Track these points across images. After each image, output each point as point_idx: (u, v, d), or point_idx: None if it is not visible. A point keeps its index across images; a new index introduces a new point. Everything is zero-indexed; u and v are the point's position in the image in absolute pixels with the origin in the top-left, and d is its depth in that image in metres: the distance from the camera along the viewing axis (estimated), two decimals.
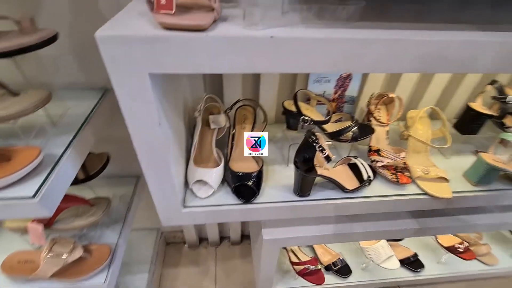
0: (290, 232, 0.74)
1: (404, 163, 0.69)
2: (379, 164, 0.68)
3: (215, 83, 0.77)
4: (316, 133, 0.58)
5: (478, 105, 0.72)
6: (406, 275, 1.06)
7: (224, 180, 0.65)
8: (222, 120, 0.67)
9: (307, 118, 0.59)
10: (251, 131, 0.70)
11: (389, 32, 0.39)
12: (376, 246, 0.99)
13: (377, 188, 0.67)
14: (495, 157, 0.68)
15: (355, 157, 0.68)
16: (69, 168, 0.57)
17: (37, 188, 0.49)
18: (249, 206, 0.62)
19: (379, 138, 0.72)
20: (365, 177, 0.64)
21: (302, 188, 0.62)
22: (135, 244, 1.22)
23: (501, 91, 0.67)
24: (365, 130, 0.70)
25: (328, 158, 0.53)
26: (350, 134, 0.65)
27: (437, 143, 0.73)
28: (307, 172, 0.57)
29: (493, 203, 0.72)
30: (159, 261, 1.24)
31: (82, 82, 0.75)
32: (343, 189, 0.64)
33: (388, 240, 1.10)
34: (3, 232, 0.82)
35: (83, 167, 0.77)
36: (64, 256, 0.69)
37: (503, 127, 0.72)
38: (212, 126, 0.68)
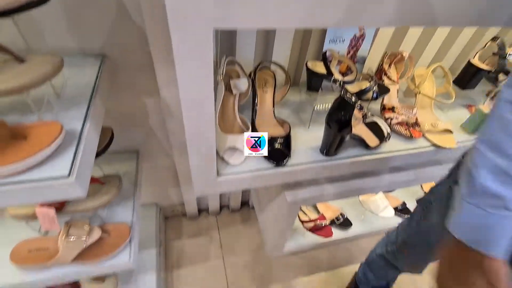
0: (310, 191, 0.77)
1: (416, 119, 0.74)
2: (394, 121, 0.72)
3: (227, 44, 0.72)
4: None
5: (477, 61, 0.78)
6: (398, 221, 1.18)
7: None
8: (244, 84, 0.65)
9: (337, 78, 0.59)
10: (273, 94, 0.68)
11: None
12: (375, 199, 1.08)
13: (393, 144, 0.72)
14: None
15: (373, 115, 0.71)
16: (92, 142, 0.51)
17: (70, 166, 0.43)
18: (283, 169, 0.62)
19: (391, 96, 0.76)
20: (385, 133, 0.67)
21: (331, 147, 0.64)
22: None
23: (502, 48, 0.73)
24: (382, 89, 0.72)
25: (365, 116, 0.55)
26: (370, 93, 0.67)
27: (439, 99, 0.78)
28: (340, 130, 0.58)
29: None
30: (162, 237, 1.23)
31: (74, 47, 0.65)
32: (367, 146, 0.67)
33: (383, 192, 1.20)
34: (3, 221, 0.73)
35: None
36: (83, 238, 0.65)
37: (496, 81, 0.80)
38: (234, 91, 0.65)
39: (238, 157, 0.61)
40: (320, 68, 0.67)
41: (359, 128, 0.67)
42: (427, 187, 1.22)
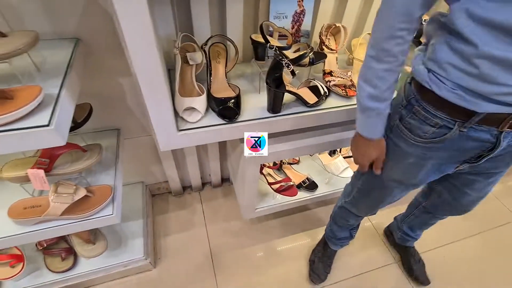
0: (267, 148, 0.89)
1: (351, 81, 0.86)
2: (332, 83, 0.84)
3: (184, 23, 0.83)
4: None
5: None
6: None
7: (208, 108, 0.76)
8: (199, 56, 0.76)
9: (272, 45, 0.71)
10: (225, 65, 0.80)
11: None
12: (335, 161, 1.21)
13: (332, 102, 0.84)
14: None
15: (313, 79, 0.84)
16: (68, 104, 0.62)
17: (49, 118, 0.55)
18: (233, 124, 0.74)
19: (330, 63, 0.88)
20: (322, 92, 0.80)
21: (275, 105, 0.76)
22: (124, 197, 1.29)
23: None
24: (319, 56, 0.84)
25: (293, 73, 0.67)
26: (307, 59, 0.79)
27: None
28: (277, 88, 0.71)
29: None
30: (149, 211, 1.34)
31: (49, 32, 0.76)
32: (306, 103, 0.79)
33: (344, 158, 1.33)
34: (1, 186, 0.84)
35: None
36: (70, 194, 0.77)
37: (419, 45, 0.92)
38: (191, 63, 0.77)
39: (195, 116, 0.73)
40: (262, 39, 0.79)
41: (298, 90, 0.79)
42: None
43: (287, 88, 0.72)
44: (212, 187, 1.52)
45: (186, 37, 0.76)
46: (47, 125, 0.54)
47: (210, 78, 0.79)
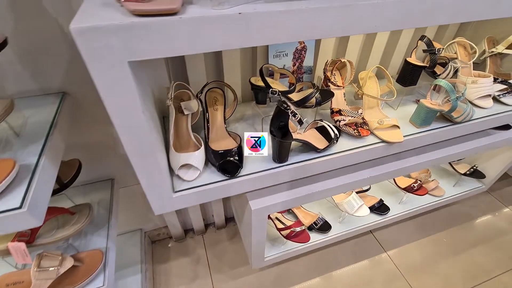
0: (273, 199, 0.80)
1: (363, 118, 0.78)
2: (342, 122, 0.77)
3: (178, 70, 0.78)
4: (288, 102, 0.64)
5: (414, 59, 0.84)
6: (376, 219, 1.21)
7: (207, 162, 0.69)
8: (194, 105, 0.70)
9: (275, 90, 0.64)
10: (224, 111, 0.73)
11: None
12: (348, 199, 1.11)
13: (343, 144, 0.76)
14: (432, 101, 0.81)
15: (321, 120, 0.76)
16: (48, 175, 0.55)
17: (22, 198, 0.47)
18: (235, 180, 0.66)
19: (338, 100, 0.81)
20: (332, 135, 0.72)
21: (280, 154, 0.68)
22: (121, 248, 1.20)
23: (429, 45, 0.79)
24: (326, 94, 0.77)
25: (300, 122, 0.59)
26: (313, 100, 0.72)
27: (386, 97, 0.84)
28: (283, 138, 0.63)
29: (435, 140, 0.85)
30: (148, 260, 1.24)
31: (34, 89, 0.70)
32: (315, 149, 0.71)
33: (357, 193, 1.23)
34: None
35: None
36: (55, 268, 0.67)
37: (435, 75, 0.86)
38: (186, 112, 0.70)
39: (193, 174, 0.65)
40: (262, 83, 0.72)
41: (305, 134, 0.71)
42: (400, 182, 1.25)
43: (294, 137, 0.65)
44: (216, 229, 1.42)
45: (180, 85, 0.70)
46: (19, 207, 0.46)
47: (207, 127, 0.71)
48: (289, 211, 1.20)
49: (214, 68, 0.82)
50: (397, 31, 0.94)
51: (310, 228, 1.12)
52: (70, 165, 0.78)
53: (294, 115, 0.58)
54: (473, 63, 0.99)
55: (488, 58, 0.94)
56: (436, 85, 0.79)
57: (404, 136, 0.79)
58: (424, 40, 0.79)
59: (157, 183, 0.56)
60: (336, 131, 0.74)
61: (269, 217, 1.08)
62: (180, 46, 0.39)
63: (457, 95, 0.75)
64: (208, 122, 0.72)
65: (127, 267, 1.14)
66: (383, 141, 0.77)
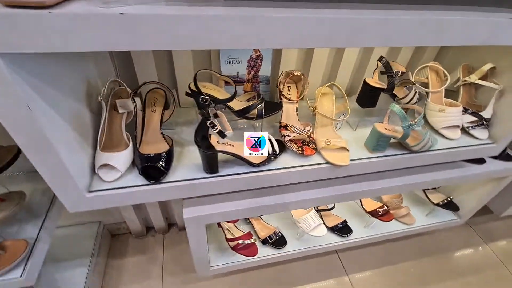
0: (211, 209, 0.77)
1: (310, 136, 0.74)
2: (287, 138, 0.73)
3: (126, 68, 0.76)
4: (218, 111, 0.61)
5: (372, 80, 0.79)
6: (336, 240, 1.16)
7: (134, 163, 0.66)
8: (130, 104, 0.67)
9: (205, 97, 0.61)
10: (162, 113, 0.71)
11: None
12: (305, 217, 1.07)
13: (285, 161, 0.73)
14: (387, 126, 0.76)
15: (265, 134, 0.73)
16: None
17: None
18: (157, 186, 0.64)
19: (289, 114, 0.77)
20: (270, 150, 0.68)
21: (209, 165, 0.65)
22: (75, 239, 1.19)
23: (387, 66, 0.74)
24: (273, 107, 0.74)
25: (221, 134, 0.56)
26: (255, 111, 0.69)
27: (342, 117, 0.80)
28: (207, 149, 0.60)
29: (391, 167, 0.80)
30: (102, 253, 1.22)
31: None
32: (250, 163, 0.68)
33: (321, 211, 1.18)
34: None
35: None
36: None
37: (395, 99, 0.81)
38: (120, 110, 0.68)
39: (113, 174, 0.63)
40: (206, 88, 0.69)
41: (240, 146, 0.68)
42: (367, 204, 1.20)
43: (219, 149, 0.61)
44: (178, 230, 1.39)
45: (115, 82, 0.68)
46: None
47: (142, 128, 0.69)
48: (247, 221, 1.16)
49: (166, 68, 0.80)
50: (369, 49, 0.90)
51: (264, 241, 1.08)
52: (8, 150, 0.77)
53: (213, 126, 0.55)
54: (450, 90, 0.93)
55: (462, 87, 0.88)
56: (391, 110, 0.74)
57: (353, 160, 0.74)
58: (381, 62, 0.74)
59: (61, 180, 0.54)
60: (276, 147, 0.70)
61: (219, 225, 1.05)
62: (54, 42, 0.37)
63: (410, 122, 0.70)
64: (143, 123, 0.70)
65: (76, 259, 1.12)
66: (328, 162, 0.73)
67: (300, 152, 0.72)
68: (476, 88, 0.88)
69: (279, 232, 1.12)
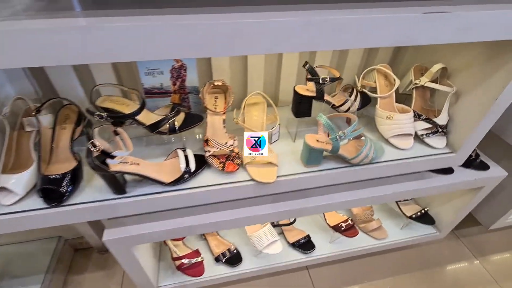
0: (136, 229, 0.72)
1: (233, 151, 0.68)
2: (207, 153, 0.67)
3: (45, 84, 0.73)
4: (118, 128, 0.56)
5: (302, 88, 0.72)
6: (298, 257, 1.08)
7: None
8: (35, 122, 0.64)
9: (100, 114, 0.57)
10: (73, 131, 0.67)
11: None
12: (258, 233, 1.00)
13: (206, 178, 0.67)
14: (321, 137, 0.69)
15: (183, 149, 0.67)
16: None
17: None
18: (59, 209, 0.59)
19: (215, 127, 0.72)
20: (182, 168, 0.63)
21: (112, 186, 0.60)
22: (33, 255, 1.18)
23: (312, 73, 0.67)
24: (192, 120, 0.69)
25: (105, 154, 0.51)
26: (167, 125, 0.64)
27: (275, 128, 0.73)
28: (99, 169, 0.55)
29: (329, 182, 0.73)
30: (61, 269, 1.20)
31: None
32: (160, 183, 0.63)
33: (282, 225, 1.11)
34: None
35: None
36: None
37: (334, 107, 0.74)
38: (28, 129, 0.65)
39: (11, 198, 0.59)
40: (113, 103, 0.65)
41: (148, 165, 0.63)
42: (330, 218, 1.11)
43: (116, 168, 0.56)
44: None
45: (21, 100, 0.64)
46: None
47: (51, 147, 0.65)
48: (202, 237, 1.10)
49: (90, 83, 0.76)
50: (312, 52, 0.83)
51: (217, 259, 1.02)
52: None
53: (94, 145, 0.50)
54: (408, 94, 0.85)
55: (414, 91, 0.80)
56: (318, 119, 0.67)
57: (283, 176, 0.68)
58: (306, 67, 0.68)
59: None
60: (191, 164, 0.64)
61: (165, 243, 0.99)
62: None
63: (338, 134, 0.62)
64: (52, 141, 0.66)
65: (30, 275, 1.10)
66: (252, 179, 0.66)
67: (221, 168, 0.66)
68: (432, 91, 0.80)
69: (235, 249, 1.05)
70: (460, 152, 0.76)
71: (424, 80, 0.75)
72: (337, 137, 0.62)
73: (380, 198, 0.85)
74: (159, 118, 0.65)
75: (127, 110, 0.64)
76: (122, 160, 0.58)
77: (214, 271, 1.01)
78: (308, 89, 0.71)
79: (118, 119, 0.61)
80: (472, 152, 0.92)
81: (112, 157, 0.52)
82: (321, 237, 1.14)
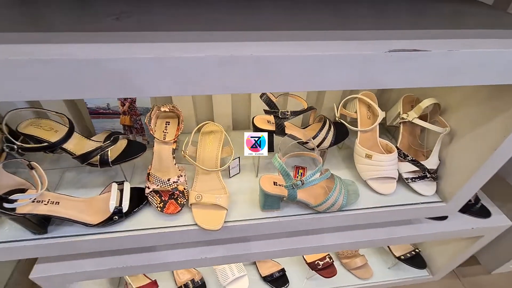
0: (68, 267, 0.65)
1: (175, 188, 0.59)
2: (147, 190, 0.58)
3: None
4: (33, 162, 0.48)
5: (261, 120, 0.62)
6: None
7: None
8: None
9: (12, 145, 0.49)
10: None
11: None
12: (223, 267, 0.91)
13: (143, 219, 0.58)
14: (279, 179, 0.59)
15: (121, 182, 0.59)
16: None
17: None
18: None
19: (162, 158, 0.62)
20: (111, 208, 0.54)
21: (27, 227, 0.52)
22: None
23: (269, 104, 0.56)
24: (134, 150, 0.60)
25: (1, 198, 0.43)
26: (98, 157, 0.55)
27: (233, 162, 0.63)
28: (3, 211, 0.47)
29: (283, 230, 0.63)
30: None
31: None
32: (85, 224, 0.54)
33: None
34: None
35: None
36: None
37: (302, 143, 0.63)
38: None
39: None
40: (39, 130, 0.56)
41: (68, 205, 0.55)
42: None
43: (24, 210, 0.48)
44: None
45: None
46: None
47: None
48: None
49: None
50: None
51: None
52: None
53: None
54: (394, 126, 0.73)
55: (401, 126, 0.68)
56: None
57: (231, 222, 0.58)
58: (263, 99, 0.57)
59: None
60: (124, 202, 0.56)
61: None
62: None
63: (294, 181, 0.52)
64: None
65: None
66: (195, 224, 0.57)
67: (160, 209, 0.57)
68: (423, 128, 0.68)
69: (200, 279, 0.96)
70: (452, 202, 0.64)
71: (412, 116, 0.63)
72: (293, 185, 0.52)
73: (355, 244, 0.74)
74: (91, 148, 0.56)
75: (54, 137, 0.55)
76: (38, 199, 0.50)
77: None
78: (269, 120, 0.61)
79: (30, 151, 0.53)
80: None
81: (11, 201, 0.44)
82: (298, 272, 1.03)
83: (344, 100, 0.69)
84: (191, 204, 0.59)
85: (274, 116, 0.57)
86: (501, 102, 0.49)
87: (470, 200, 0.78)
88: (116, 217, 0.55)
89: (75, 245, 0.55)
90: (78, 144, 0.58)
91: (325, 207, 0.58)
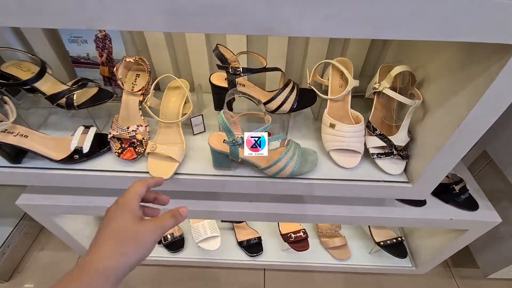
0: (48, 200, 0.72)
1: (134, 137, 0.62)
2: (109, 135, 0.62)
3: None
4: (5, 97, 0.54)
5: (218, 77, 0.60)
6: (241, 257, 1.01)
7: None
8: None
9: None
10: None
11: None
12: (197, 225, 0.95)
13: (103, 162, 0.63)
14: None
15: (88, 126, 0.63)
16: None
17: None
18: None
19: (129, 108, 0.65)
20: (72, 147, 0.59)
21: (3, 155, 0.59)
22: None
23: (222, 59, 0.54)
24: (101, 97, 0.63)
25: None
26: (64, 99, 0.60)
27: (195, 119, 0.64)
28: None
29: (235, 190, 0.63)
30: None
31: None
32: (49, 159, 0.60)
33: (230, 221, 1.05)
34: None
35: None
36: None
37: (262, 104, 0.61)
38: None
39: None
40: (15, 69, 0.62)
41: (37, 139, 0.60)
42: (284, 226, 1.00)
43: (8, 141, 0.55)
44: None
45: None
46: None
47: None
48: None
49: None
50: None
51: (159, 242, 1.01)
52: None
53: None
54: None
55: (375, 97, 0.62)
56: None
57: (183, 174, 0.60)
58: (215, 53, 0.55)
59: None
60: (86, 143, 0.60)
61: None
62: None
63: (235, 138, 0.51)
64: None
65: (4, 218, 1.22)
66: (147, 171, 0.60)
67: (118, 154, 0.61)
68: (400, 101, 0.62)
69: (180, 235, 1.02)
70: (418, 184, 0.59)
71: (384, 85, 0.58)
72: (233, 141, 0.52)
73: (313, 217, 0.73)
74: (60, 89, 0.61)
75: (23, 76, 0.61)
76: (7, 130, 0.56)
77: (155, 252, 1.00)
78: (216, 79, 0.60)
79: (6, 86, 0.59)
80: (457, 184, 0.72)
81: None
82: (275, 244, 1.04)
83: (316, 65, 0.65)
84: (147, 153, 0.61)
85: (226, 72, 0.56)
86: (468, 71, 0.43)
87: (453, 189, 0.71)
88: (77, 156, 0.60)
89: (42, 177, 0.61)
90: (51, 87, 0.63)
91: (273, 171, 0.57)
